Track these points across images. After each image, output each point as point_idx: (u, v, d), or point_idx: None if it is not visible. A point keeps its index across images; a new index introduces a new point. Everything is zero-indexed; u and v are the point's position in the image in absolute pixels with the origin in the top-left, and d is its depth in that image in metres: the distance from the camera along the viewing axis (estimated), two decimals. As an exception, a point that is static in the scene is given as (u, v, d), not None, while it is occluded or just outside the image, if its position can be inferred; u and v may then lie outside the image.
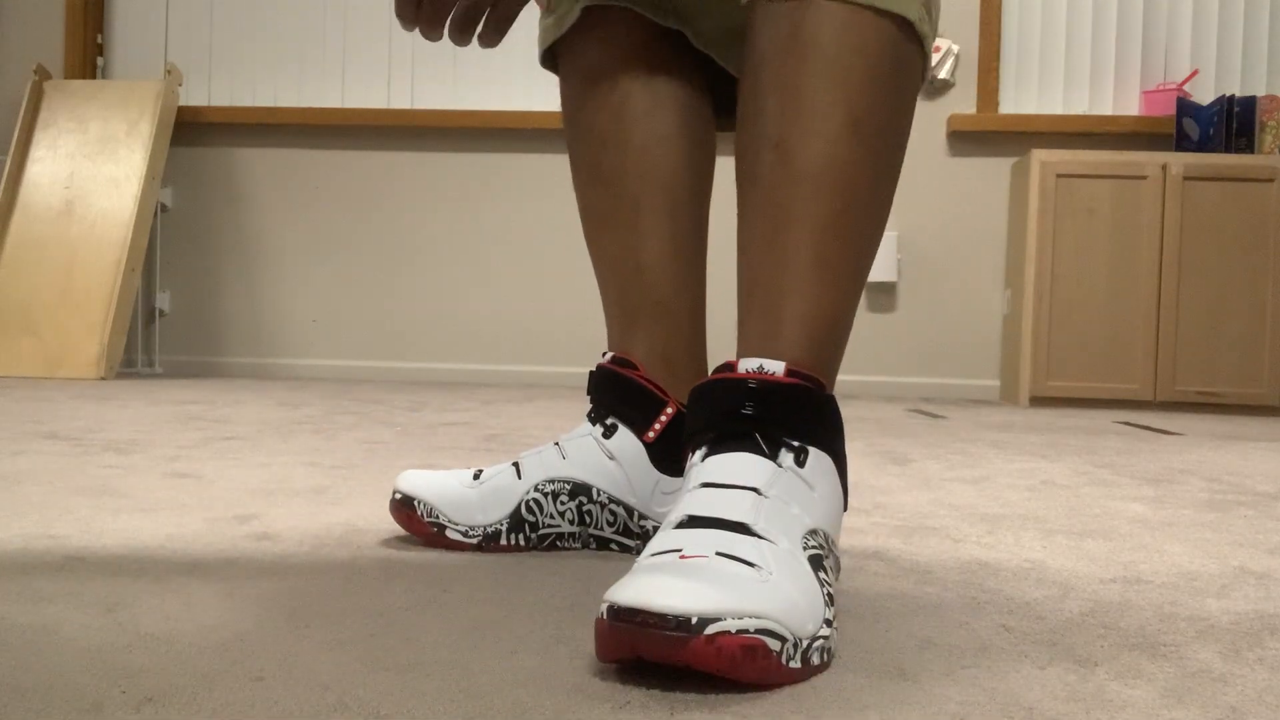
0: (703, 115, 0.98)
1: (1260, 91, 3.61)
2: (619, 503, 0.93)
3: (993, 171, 3.70)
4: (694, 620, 0.56)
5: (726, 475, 0.69)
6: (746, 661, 0.57)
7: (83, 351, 3.36)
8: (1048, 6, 3.70)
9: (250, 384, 3.36)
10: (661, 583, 0.57)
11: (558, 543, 0.94)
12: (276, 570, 0.84)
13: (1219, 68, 3.66)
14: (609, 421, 0.94)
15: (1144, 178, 3.25)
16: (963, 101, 3.70)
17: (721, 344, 3.49)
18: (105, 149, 3.62)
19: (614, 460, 0.93)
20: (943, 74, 3.68)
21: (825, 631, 0.63)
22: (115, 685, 0.57)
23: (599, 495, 0.93)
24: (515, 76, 3.86)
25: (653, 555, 0.64)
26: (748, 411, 0.71)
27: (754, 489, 0.68)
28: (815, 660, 0.62)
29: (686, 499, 0.70)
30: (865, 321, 3.73)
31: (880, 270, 3.67)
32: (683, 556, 0.63)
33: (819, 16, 0.75)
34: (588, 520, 0.94)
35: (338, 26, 3.94)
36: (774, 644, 0.58)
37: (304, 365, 3.90)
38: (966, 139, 3.70)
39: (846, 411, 2.78)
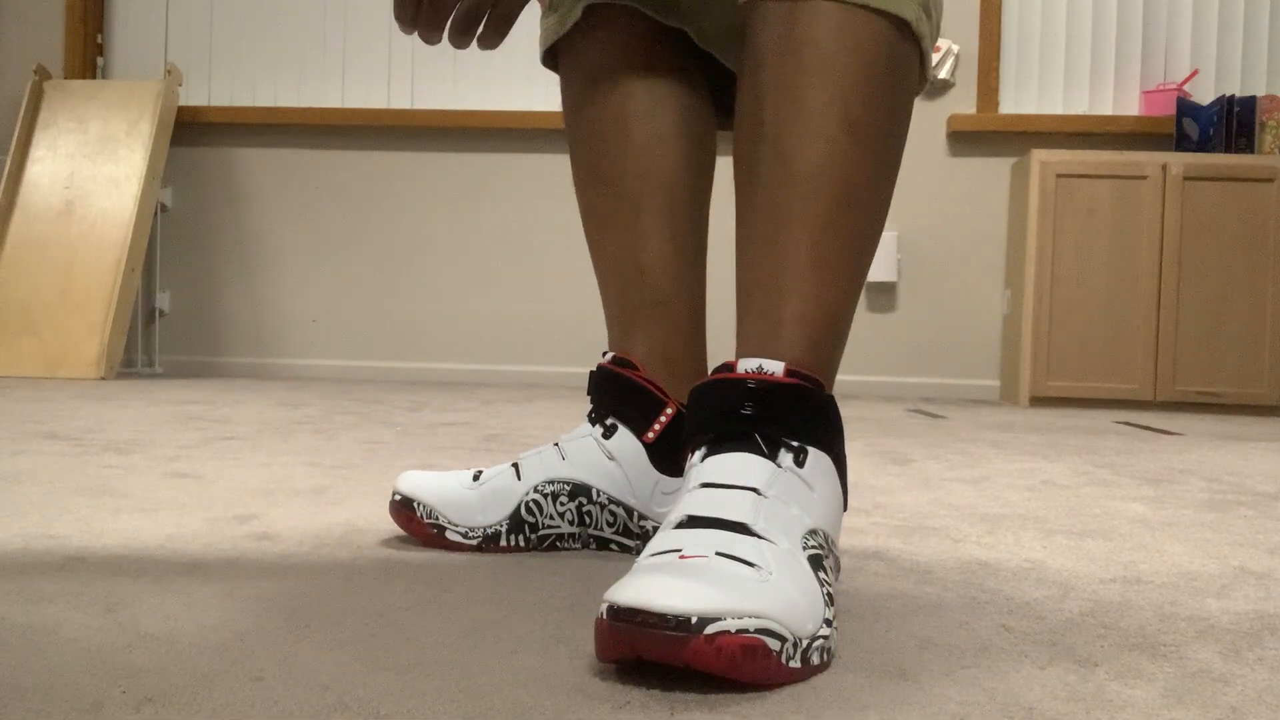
0: (703, 115, 0.98)
1: (1260, 91, 3.61)
2: (619, 503, 0.93)
3: (993, 171, 3.70)
4: (694, 620, 0.56)
5: (726, 475, 0.69)
6: (746, 661, 0.57)
7: (83, 351, 3.36)
8: (1048, 6, 3.70)
9: (250, 384, 3.36)
10: (661, 583, 0.57)
11: (558, 543, 0.94)
12: (276, 570, 0.84)
13: (1219, 68, 3.66)
14: (609, 422, 0.94)
15: (1144, 178, 3.25)
16: (963, 101, 3.70)
17: (721, 344, 3.49)
18: (105, 149, 3.62)
19: (614, 461, 0.93)
20: (943, 74, 3.68)
21: (825, 631, 0.63)
22: (115, 685, 0.57)
23: (599, 496, 0.93)
24: (515, 76, 3.86)
25: (652, 555, 0.64)
26: (747, 412, 0.71)
27: (753, 489, 0.68)
28: (815, 660, 0.62)
29: (686, 499, 0.70)
30: (865, 321, 3.73)
31: (880, 270, 3.67)
32: (682, 556, 0.63)
33: (815, 16, 0.75)
34: (587, 521, 0.94)
35: (338, 26, 3.94)
36: (774, 644, 0.58)
37: (304, 365, 3.90)
38: (966, 139, 3.70)
39: (846, 411, 2.78)
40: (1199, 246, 3.24)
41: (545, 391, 3.40)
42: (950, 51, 3.68)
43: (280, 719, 0.53)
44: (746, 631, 0.57)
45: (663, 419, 0.93)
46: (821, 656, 0.62)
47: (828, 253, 0.76)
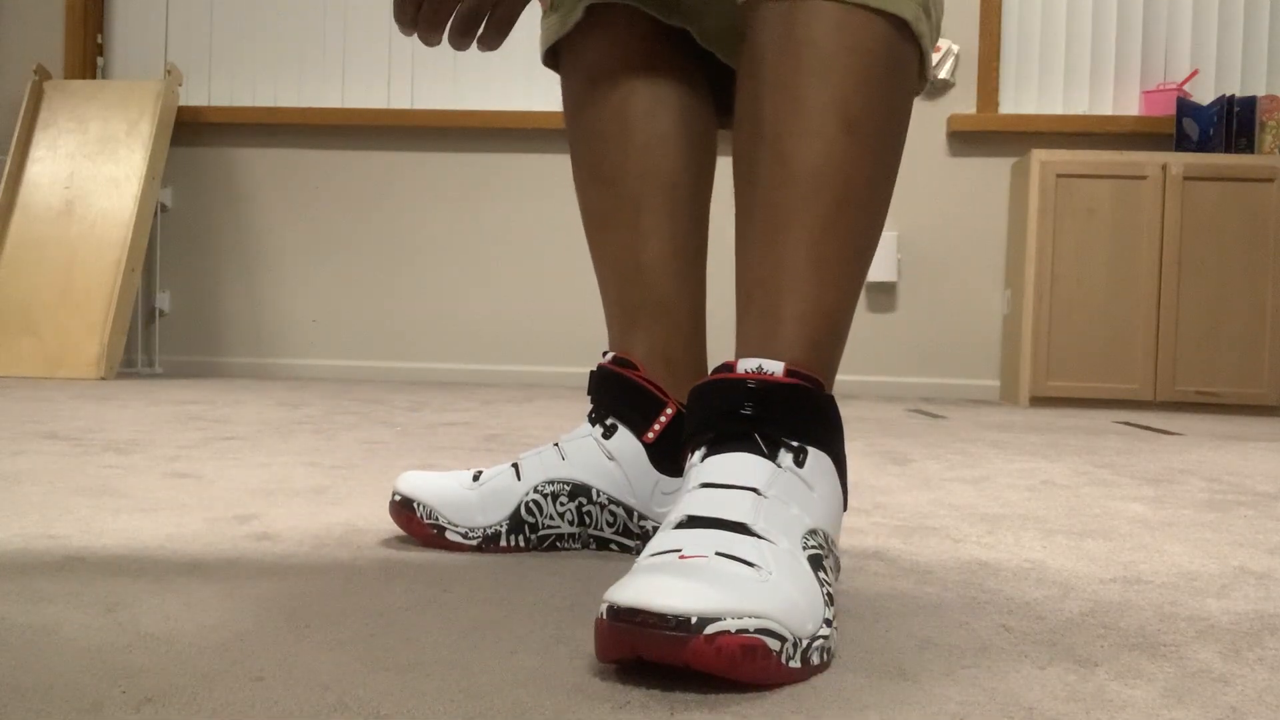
0: (704, 115, 0.98)
1: (1260, 91, 3.61)
2: (619, 503, 0.93)
3: (993, 171, 3.70)
4: (693, 620, 0.56)
5: (726, 475, 0.69)
6: (746, 661, 0.57)
7: (83, 351, 3.36)
8: (1048, 6, 3.70)
9: (250, 384, 3.36)
10: (661, 583, 0.57)
11: (557, 544, 0.94)
12: (276, 570, 0.84)
13: (1219, 68, 3.66)
14: (609, 422, 0.94)
15: (1144, 178, 3.25)
16: (963, 101, 3.70)
17: (721, 344, 3.49)
18: (105, 149, 3.62)
19: (614, 461, 0.93)
20: (943, 74, 3.68)
21: (825, 631, 0.63)
22: (115, 685, 0.57)
23: (599, 496, 0.93)
24: (515, 76, 3.86)
25: (652, 555, 0.64)
26: (747, 412, 0.71)
27: (753, 489, 0.68)
28: (815, 660, 0.62)
29: (686, 499, 0.70)
30: (865, 321, 3.73)
31: (880, 270, 3.67)
32: (682, 556, 0.63)
33: (813, 16, 0.75)
34: (587, 521, 0.94)
35: (338, 26, 3.94)
36: (774, 644, 0.58)
37: (304, 365, 3.90)
38: (966, 139, 3.70)
39: (846, 411, 2.78)
40: (1199, 246, 3.24)
41: (545, 391, 3.40)
42: (950, 51, 3.68)
43: (280, 719, 0.53)
44: (746, 631, 0.57)
45: (663, 419, 0.93)
46: (821, 656, 0.62)
47: (827, 252, 0.76)
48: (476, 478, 0.95)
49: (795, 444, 0.71)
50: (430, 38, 0.80)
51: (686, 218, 0.97)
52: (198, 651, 0.63)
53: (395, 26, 3.85)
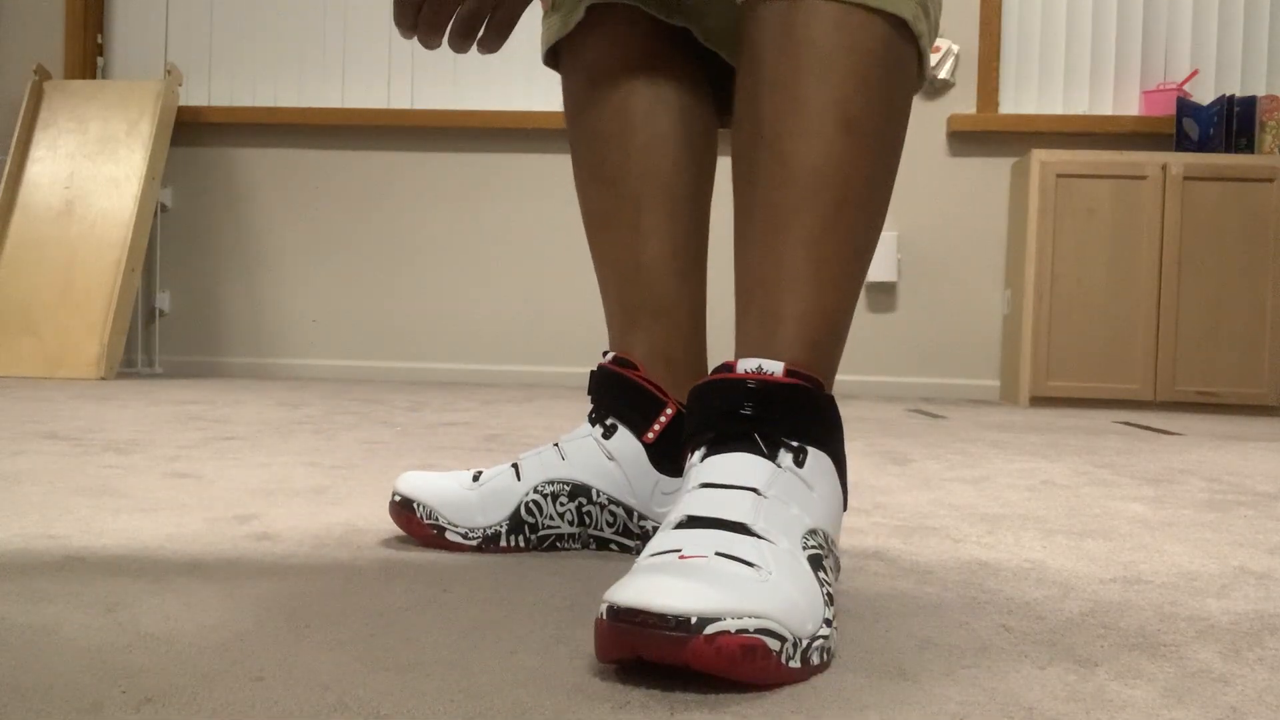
0: (705, 115, 0.98)
1: (1260, 91, 3.61)
2: (619, 503, 0.93)
3: (993, 171, 3.70)
4: (693, 620, 0.56)
5: (725, 475, 0.69)
6: (746, 661, 0.57)
7: (83, 351, 3.36)
8: (1048, 6, 3.70)
9: (250, 384, 3.36)
10: (661, 583, 0.57)
11: (557, 544, 0.94)
12: (276, 570, 0.84)
13: (1219, 68, 3.66)
14: (609, 422, 0.94)
15: (1144, 178, 3.25)
16: (963, 101, 3.70)
17: (721, 344, 3.49)
18: (105, 149, 3.62)
19: (613, 461, 0.93)
20: (943, 74, 3.68)
21: (825, 631, 0.63)
22: (115, 685, 0.57)
23: (598, 496, 0.93)
24: (515, 76, 3.86)
25: (652, 555, 0.64)
26: (746, 412, 0.71)
27: (753, 489, 0.68)
28: (815, 660, 0.62)
29: (686, 499, 0.70)
30: (865, 321, 3.73)
31: (880, 270, 3.67)
32: (682, 557, 0.63)
33: (811, 16, 0.75)
34: (587, 521, 0.94)
35: (338, 26, 3.94)
36: (774, 644, 0.58)
37: (304, 365, 3.90)
38: (966, 139, 3.70)
39: (846, 411, 2.78)
40: (1199, 246, 3.24)
41: (545, 391, 3.40)
42: (950, 51, 3.68)
43: (280, 719, 0.53)
44: (746, 631, 0.57)
45: (663, 419, 0.93)
46: (821, 656, 0.62)
47: (827, 252, 0.76)
48: (476, 478, 0.95)
49: (795, 444, 0.71)
50: (431, 41, 0.80)
51: (687, 218, 0.97)
52: (198, 651, 0.63)
53: (395, 27, 3.86)
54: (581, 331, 3.82)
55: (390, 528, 1.04)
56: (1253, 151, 3.34)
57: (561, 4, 0.97)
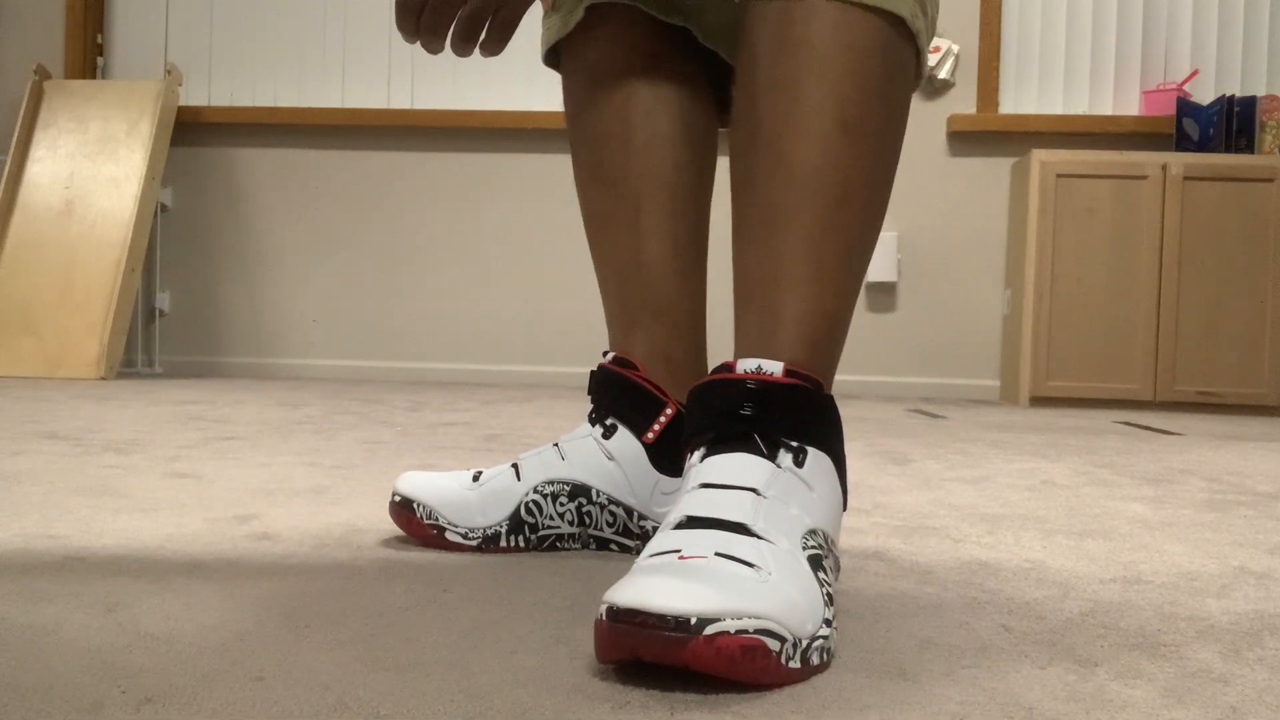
0: (705, 114, 0.98)
1: (1260, 91, 3.61)
2: (618, 503, 0.93)
3: (993, 171, 3.70)
4: (693, 621, 0.56)
5: (725, 476, 0.69)
6: (746, 662, 0.57)
7: (83, 351, 3.36)
8: (1048, 6, 3.70)
9: (250, 384, 3.36)
10: (660, 583, 0.57)
11: (557, 544, 0.94)
12: (276, 570, 0.84)
13: (1219, 68, 3.66)
14: (609, 422, 0.94)
15: (1144, 178, 3.25)
16: (963, 101, 3.70)
17: (721, 344, 3.49)
18: (105, 149, 3.62)
19: (613, 461, 0.93)
20: (943, 74, 3.68)
21: (825, 631, 0.63)
22: (115, 685, 0.57)
23: (598, 496, 0.93)
24: (515, 76, 3.86)
25: (652, 556, 0.64)
26: (746, 412, 0.71)
27: (753, 489, 0.68)
28: (815, 660, 0.62)
29: (685, 499, 0.70)
30: (865, 321, 3.73)
31: (880, 270, 3.67)
32: (682, 557, 0.63)
33: (809, 15, 0.75)
34: (587, 521, 0.94)
35: (338, 26, 3.94)
36: (773, 644, 0.58)
37: (304, 365, 3.90)
38: (966, 139, 3.70)
39: (846, 411, 2.78)
40: (1199, 246, 3.24)
41: (545, 391, 3.40)
42: (950, 51, 3.68)
43: (280, 719, 0.53)
44: (746, 632, 0.57)
45: (663, 419, 0.93)
46: (821, 656, 0.62)
47: (825, 252, 0.75)
48: (476, 478, 0.95)
49: (795, 444, 0.71)
50: (433, 46, 0.80)
51: (687, 218, 0.97)
52: (198, 651, 0.63)
53: (395, 28, 3.86)
54: (581, 331, 3.82)
55: (390, 528, 1.04)
56: (1253, 151, 3.34)
57: (561, 4, 0.97)
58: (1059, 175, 3.27)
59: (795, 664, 0.60)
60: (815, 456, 0.72)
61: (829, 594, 0.67)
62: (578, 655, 0.64)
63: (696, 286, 0.98)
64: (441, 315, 3.87)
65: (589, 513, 0.93)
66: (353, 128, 3.89)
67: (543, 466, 0.94)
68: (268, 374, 3.90)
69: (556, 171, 3.84)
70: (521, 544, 0.93)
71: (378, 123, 3.84)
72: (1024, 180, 3.40)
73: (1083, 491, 1.43)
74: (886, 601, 0.80)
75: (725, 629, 0.56)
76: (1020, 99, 3.71)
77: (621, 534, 0.94)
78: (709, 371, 0.89)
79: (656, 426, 0.93)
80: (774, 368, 0.73)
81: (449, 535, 0.93)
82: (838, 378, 3.71)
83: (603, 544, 0.95)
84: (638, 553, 0.94)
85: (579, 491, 0.93)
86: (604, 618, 0.58)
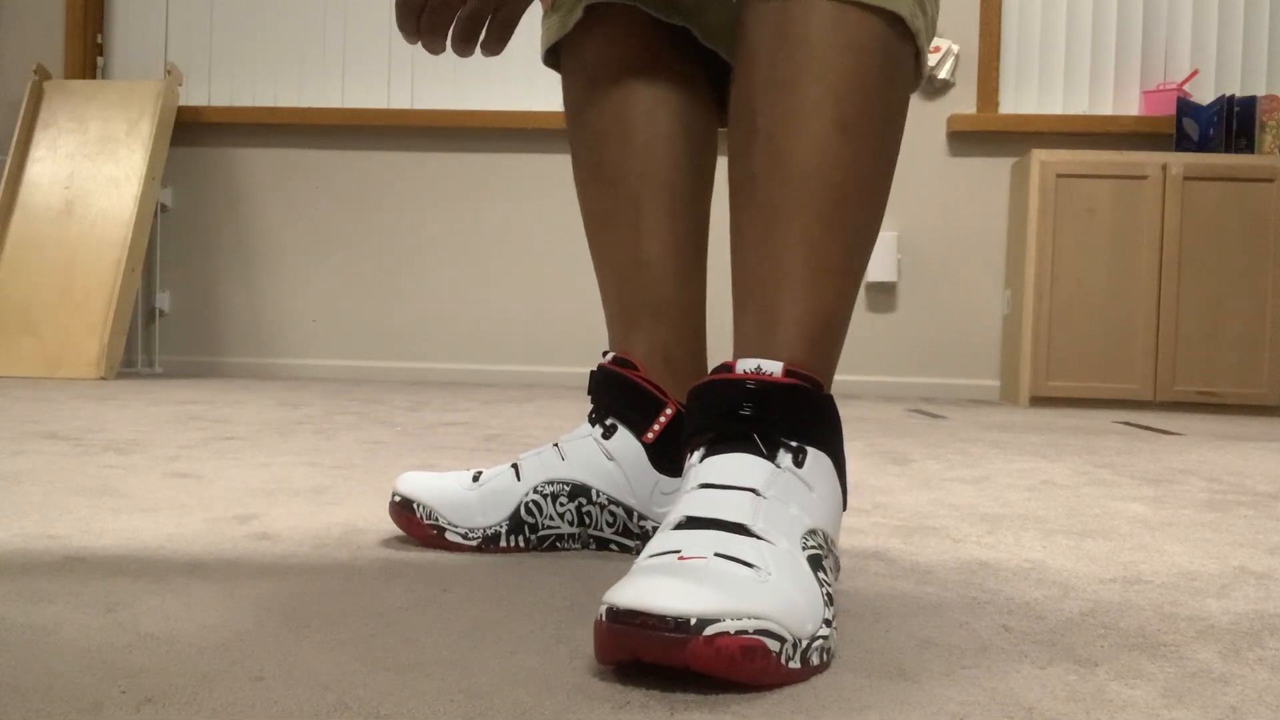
0: (705, 114, 0.98)
1: (1260, 91, 3.61)
2: (618, 503, 0.93)
3: (993, 171, 3.70)
4: (693, 621, 0.56)
5: (725, 476, 0.69)
6: (746, 662, 0.57)
7: (83, 351, 3.36)
8: (1048, 6, 3.70)
9: (250, 384, 3.36)
10: (660, 584, 0.57)
11: (557, 544, 0.94)
12: (276, 570, 0.84)
13: (1219, 68, 3.66)
14: (609, 422, 0.94)
15: (1144, 178, 3.25)
16: (963, 101, 3.70)
17: (721, 344, 3.49)
18: (105, 149, 3.62)
19: (613, 461, 0.93)
20: (943, 74, 3.68)
21: (825, 631, 0.63)
22: (115, 685, 0.57)
23: (598, 496, 0.93)
24: (515, 76, 3.86)
25: (651, 556, 0.64)
26: (746, 412, 0.71)
27: (752, 490, 0.68)
28: (815, 660, 0.62)
29: (685, 500, 0.70)
30: (865, 321, 3.73)
31: (880, 270, 3.67)
32: (681, 558, 0.63)
33: (808, 14, 0.75)
34: (587, 521, 0.94)
35: (338, 26, 3.94)
36: (773, 644, 0.58)
37: (304, 365, 3.90)
38: (966, 139, 3.70)
39: (846, 411, 2.78)
40: (1199, 246, 3.24)
41: (545, 391, 3.40)
42: (950, 51, 3.68)
43: (280, 719, 0.53)
44: (746, 632, 0.57)
45: (662, 419, 0.93)
46: (821, 657, 0.62)
47: (824, 251, 0.75)
48: (476, 478, 0.95)
49: (794, 444, 0.71)
50: (434, 46, 0.80)
51: (687, 217, 0.97)
52: (198, 651, 0.63)
53: (396, 28, 3.86)
54: (581, 331, 3.82)
55: (390, 528, 1.04)
56: (1253, 151, 3.34)
57: (561, 4, 0.97)
58: (1059, 175, 3.28)
59: (795, 664, 0.60)
60: (815, 456, 0.72)
61: (829, 594, 0.67)
62: (578, 655, 0.64)
63: (696, 286, 0.98)
64: (441, 315, 3.87)
65: (589, 513, 0.93)
66: (353, 128, 3.89)
67: (543, 466, 0.94)
68: (268, 374, 3.90)
69: (556, 171, 3.84)
70: (521, 544, 0.94)
71: (378, 123, 3.84)
72: (1024, 180, 3.40)
73: (1083, 491, 1.43)
74: (886, 601, 0.80)
75: (725, 629, 0.56)
76: (1020, 99, 3.71)
77: (621, 534, 0.94)
78: (709, 371, 0.89)
79: (656, 426, 0.93)
80: (773, 368, 0.73)
81: (449, 535, 0.93)
82: (838, 378, 3.71)
83: (603, 544, 0.95)
84: (637, 553, 0.94)
85: (579, 491, 0.93)
86: (604, 618, 0.58)
